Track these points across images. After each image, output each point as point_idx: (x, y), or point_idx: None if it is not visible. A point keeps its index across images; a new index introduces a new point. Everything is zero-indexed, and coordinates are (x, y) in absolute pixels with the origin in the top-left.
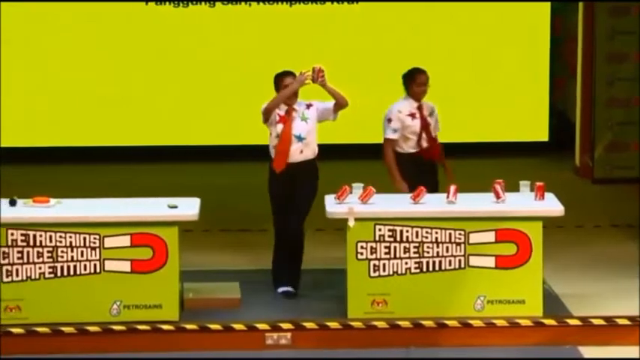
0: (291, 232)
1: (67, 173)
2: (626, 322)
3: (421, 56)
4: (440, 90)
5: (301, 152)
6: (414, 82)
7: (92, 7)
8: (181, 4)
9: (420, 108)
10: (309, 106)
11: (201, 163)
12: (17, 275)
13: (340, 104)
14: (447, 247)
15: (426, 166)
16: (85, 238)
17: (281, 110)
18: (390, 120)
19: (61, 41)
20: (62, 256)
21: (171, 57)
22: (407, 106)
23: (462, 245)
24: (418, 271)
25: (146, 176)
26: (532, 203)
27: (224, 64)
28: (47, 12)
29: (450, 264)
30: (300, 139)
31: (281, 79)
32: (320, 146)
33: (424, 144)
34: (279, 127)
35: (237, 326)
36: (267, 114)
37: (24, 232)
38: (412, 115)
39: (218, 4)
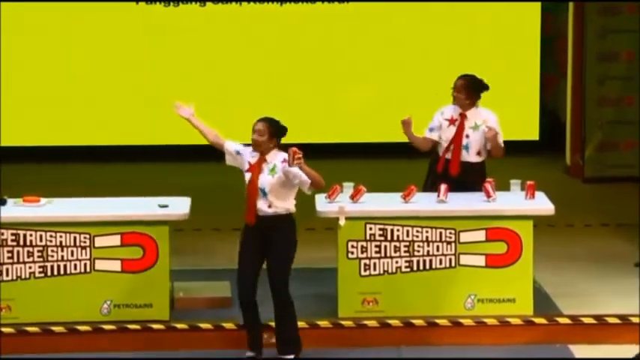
0: (275, 294)
1: (57, 173)
2: (616, 320)
3: (412, 55)
4: (430, 88)
5: (269, 207)
6: (454, 87)
7: (87, 7)
8: (172, 4)
9: (462, 116)
10: (284, 160)
11: (193, 163)
12: (7, 275)
13: (315, 186)
14: (438, 246)
15: (454, 182)
16: (75, 238)
17: (253, 158)
18: (432, 119)
19: (52, 40)
20: (52, 256)
21: (163, 56)
22: (451, 109)
23: (453, 244)
24: (409, 270)
25: (136, 176)
26: (522, 202)
27: (215, 64)
28: (41, 12)
29: (440, 263)
30: (263, 193)
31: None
32: (310, 145)
33: (448, 155)
34: (247, 176)
35: (228, 325)
36: (221, 147)
37: (14, 231)
38: (451, 121)
39: (209, 3)
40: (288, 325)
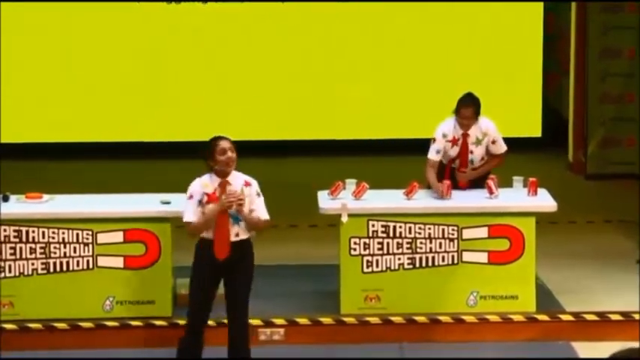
0: (239, 319)
1: (60, 169)
2: (619, 317)
3: (414, 52)
4: (433, 86)
5: (237, 235)
6: (459, 114)
7: (87, 3)
8: (173, 2)
9: (465, 135)
10: (247, 183)
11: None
12: (10, 271)
13: (254, 229)
14: (440, 243)
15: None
16: (77, 234)
17: (209, 187)
18: (434, 140)
19: (52, 37)
20: (55, 252)
21: (165, 53)
22: (450, 129)
23: (455, 241)
24: (411, 266)
25: (139, 172)
26: (525, 199)
27: (217, 61)
28: (41, 8)
29: (443, 260)
30: (236, 220)
31: (216, 143)
32: (313, 142)
33: (454, 165)
34: (210, 207)
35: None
36: (198, 232)
37: (17, 228)
38: (453, 142)
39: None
40: (247, 345)
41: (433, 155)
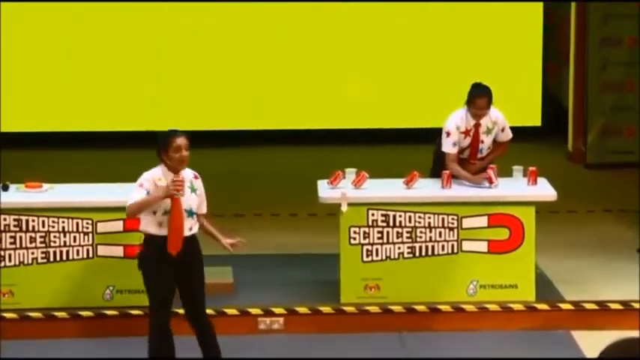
0: (199, 317)
1: (60, 158)
2: (618, 306)
3: (415, 41)
4: (433, 75)
5: (190, 229)
6: (473, 104)
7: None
8: None
9: (477, 126)
10: (196, 176)
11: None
12: (10, 260)
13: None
14: (440, 232)
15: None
16: (77, 223)
17: (162, 182)
18: (448, 134)
19: (52, 26)
20: (55, 242)
21: (167, 42)
22: (462, 120)
23: (455, 230)
24: (411, 255)
25: (139, 161)
26: (525, 188)
27: (217, 51)
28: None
29: (442, 249)
30: (191, 214)
31: (172, 139)
32: (313, 132)
33: (463, 155)
34: (167, 201)
35: (230, 311)
36: (132, 216)
37: (16, 217)
38: (466, 133)
39: None
40: (215, 342)
41: (452, 149)
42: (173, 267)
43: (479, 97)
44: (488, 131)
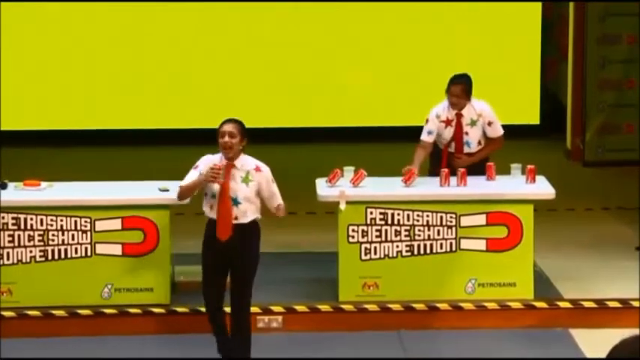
0: (234, 314)
1: (58, 157)
2: (617, 304)
3: (413, 38)
4: (431, 73)
5: (235, 218)
6: (449, 92)
7: None
8: None
9: (459, 116)
10: (258, 169)
11: (194, 147)
12: (8, 259)
13: (277, 215)
14: (439, 230)
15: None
16: (76, 222)
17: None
18: (427, 121)
19: (51, 23)
20: (53, 240)
21: (166, 39)
22: (444, 110)
23: (454, 228)
24: (409, 254)
25: (137, 159)
26: (523, 186)
27: (220, 48)
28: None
29: (441, 247)
30: (235, 202)
31: (220, 125)
32: (311, 130)
33: (451, 148)
34: (215, 187)
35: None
36: (180, 196)
37: (15, 215)
38: (447, 122)
39: None
40: (232, 344)
41: (425, 136)
42: (223, 254)
43: (453, 85)
44: (473, 123)
